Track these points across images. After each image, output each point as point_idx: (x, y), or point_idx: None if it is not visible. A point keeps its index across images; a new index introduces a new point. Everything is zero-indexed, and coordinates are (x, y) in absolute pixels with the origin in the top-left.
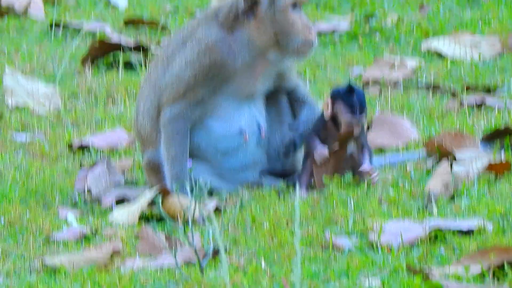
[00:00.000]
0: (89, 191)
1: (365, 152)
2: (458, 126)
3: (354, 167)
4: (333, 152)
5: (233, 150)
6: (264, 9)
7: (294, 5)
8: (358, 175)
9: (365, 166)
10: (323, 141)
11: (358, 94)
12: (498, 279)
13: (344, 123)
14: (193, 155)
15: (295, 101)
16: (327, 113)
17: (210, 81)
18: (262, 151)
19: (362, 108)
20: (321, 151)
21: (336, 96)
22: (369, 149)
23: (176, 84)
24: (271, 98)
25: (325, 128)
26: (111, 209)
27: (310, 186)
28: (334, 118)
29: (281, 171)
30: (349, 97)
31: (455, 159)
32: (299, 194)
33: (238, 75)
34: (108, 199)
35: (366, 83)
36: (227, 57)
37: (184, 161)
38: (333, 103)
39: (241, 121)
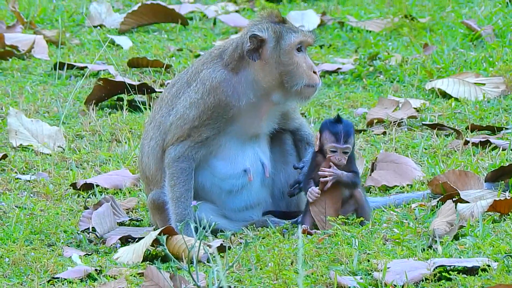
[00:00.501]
0: (93, 230)
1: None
2: (462, 165)
3: (357, 208)
4: (327, 190)
5: (238, 190)
6: (269, 49)
7: (299, 47)
8: (362, 216)
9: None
10: (316, 177)
11: (344, 124)
12: None
13: (329, 151)
14: (197, 194)
15: (299, 141)
16: (316, 145)
17: (215, 121)
18: (267, 191)
19: (347, 137)
20: (312, 189)
21: (323, 126)
22: (357, 174)
23: (180, 124)
24: (276, 137)
25: (316, 162)
26: (115, 248)
27: (314, 226)
28: (321, 150)
29: (286, 211)
30: (334, 126)
31: (459, 198)
32: (302, 233)
33: (243, 115)
34: (113, 239)
35: (370, 123)
36: (231, 97)
37: (188, 201)
38: (320, 134)
39: (246, 161)
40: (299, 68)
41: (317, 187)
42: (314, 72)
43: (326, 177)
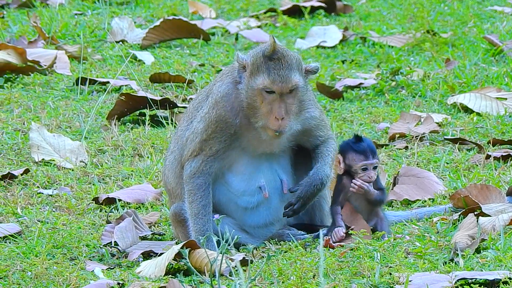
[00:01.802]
0: (115, 245)
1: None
2: (484, 179)
3: (377, 223)
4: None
5: (254, 207)
6: (246, 77)
7: (270, 91)
8: (382, 230)
9: (339, 231)
10: (343, 201)
11: (366, 141)
12: None
13: (360, 170)
14: (217, 210)
15: (313, 158)
16: (340, 169)
17: (220, 135)
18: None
19: (373, 152)
20: (338, 231)
21: (345, 148)
22: (384, 191)
23: (193, 138)
24: (301, 152)
25: (342, 185)
26: (138, 262)
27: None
28: (348, 172)
29: (309, 224)
30: (359, 145)
31: (481, 211)
32: (324, 246)
33: (245, 132)
34: (135, 253)
35: (393, 138)
36: (230, 113)
37: (207, 216)
38: (344, 157)
39: (260, 178)
40: (259, 109)
41: (343, 230)
42: (275, 120)
43: (357, 186)
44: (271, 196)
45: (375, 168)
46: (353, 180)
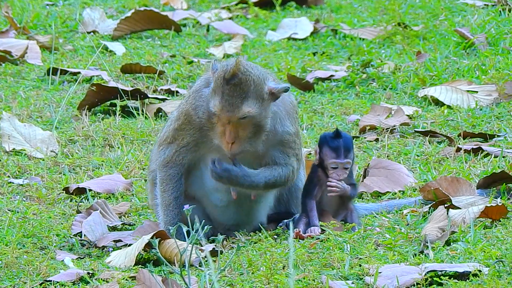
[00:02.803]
0: (85, 234)
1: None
2: (454, 172)
3: (347, 216)
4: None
5: (224, 205)
6: (212, 87)
7: (228, 121)
8: (352, 223)
9: (314, 230)
10: (318, 194)
11: (344, 138)
12: None
13: (330, 167)
14: (192, 202)
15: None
16: (316, 159)
17: (188, 127)
18: (261, 208)
19: (347, 152)
20: (314, 230)
21: (322, 141)
22: (355, 187)
23: (169, 124)
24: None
25: (318, 177)
26: (108, 252)
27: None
28: (321, 164)
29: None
30: (335, 141)
31: (451, 204)
32: (294, 238)
33: (210, 132)
34: (105, 243)
35: (363, 130)
36: (195, 111)
37: (178, 208)
38: (320, 149)
39: None
40: (214, 128)
41: (318, 230)
42: (226, 143)
43: (333, 187)
44: (242, 199)
45: (346, 168)
46: (328, 182)
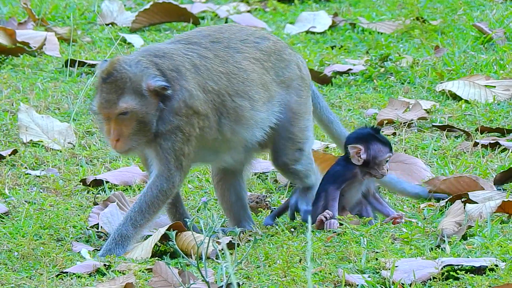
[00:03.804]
0: (102, 226)
1: (382, 198)
2: (471, 166)
3: (361, 210)
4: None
5: None
6: (95, 87)
7: (107, 118)
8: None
9: (394, 214)
10: (346, 182)
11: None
12: None
13: (384, 162)
14: None
15: None
16: (359, 159)
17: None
18: None
19: (391, 145)
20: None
21: (369, 138)
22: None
23: None
24: None
25: (353, 176)
26: None
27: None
28: (366, 162)
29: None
30: (382, 136)
31: (468, 198)
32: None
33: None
34: None
35: (381, 124)
36: None
37: None
38: (367, 147)
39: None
40: (102, 125)
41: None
42: (110, 140)
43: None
44: None
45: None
46: (397, 219)
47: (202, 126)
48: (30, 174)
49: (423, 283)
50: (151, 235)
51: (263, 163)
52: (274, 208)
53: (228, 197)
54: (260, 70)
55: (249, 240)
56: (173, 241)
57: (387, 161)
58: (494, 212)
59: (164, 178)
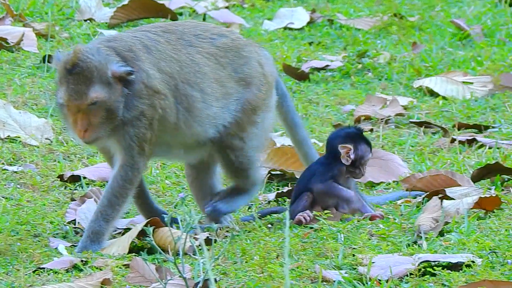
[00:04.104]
0: (79, 222)
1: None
2: (449, 162)
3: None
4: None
5: None
6: (57, 79)
7: (77, 109)
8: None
9: (376, 213)
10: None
11: None
12: None
13: (365, 163)
14: None
15: None
16: (350, 158)
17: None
18: None
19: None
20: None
21: (357, 138)
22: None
23: None
24: None
25: (339, 176)
26: None
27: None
28: (353, 162)
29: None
30: (367, 138)
31: (445, 195)
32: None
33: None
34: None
35: (358, 120)
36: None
37: None
38: (356, 147)
39: None
40: (67, 117)
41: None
42: (77, 130)
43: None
44: None
45: None
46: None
47: (164, 106)
48: (7, 170)
49: (399, 279)
50: (129, 229)
51: None
52: (252, 204)
53: (202, 195)
54: (215, 65)
55: (226, 236)
56: (150, 237)
57: (366, 162)
58: (471, 209)
59: (129, 167)
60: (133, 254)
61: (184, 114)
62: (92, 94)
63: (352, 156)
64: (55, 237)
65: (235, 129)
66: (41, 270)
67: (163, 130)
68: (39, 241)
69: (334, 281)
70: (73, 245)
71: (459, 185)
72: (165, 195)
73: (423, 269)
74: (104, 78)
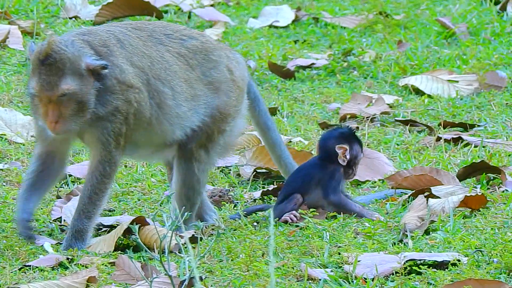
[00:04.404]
0: (65, 220)
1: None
2: (434, 161)
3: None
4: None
5: None
6: (30, 69)
7: (48, 100)
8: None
9: (374, 216)
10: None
11: None
12: None
13: (358, 163)
14: None
15: None
16: (347, 159)
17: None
18: None
19: None
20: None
21: (352, 138)
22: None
23: None
24: None
25: (340, 177)
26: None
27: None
28: (348, 162)
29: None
30: (358, 137)
31: (431, 193)
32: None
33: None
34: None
35: (343, 118)
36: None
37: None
38: (351, 147)
39: None
40: (37, 108)
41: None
42: (47, 121)
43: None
44: None
45: None
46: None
47: (138, 100)
48: None
49: (385, 277)
50: (115, 227)
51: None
52: (238, 202)
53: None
54: (184, 65)
55: (212, 234)
56: (136, 235)
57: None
58: (457, 207)
59: (107, 162)
60: (119, 252)
61: (156, 110)
62: (63, 86)
63: (347, 156)
64: (40, 234)
65: (203, 138)
66: (27, 268)
67: (137, 124)
68: (25, 239)
69: (320, 280)
70: (59, 242)
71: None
72: (151, 193)
73: (408, 268)
74: (77, 71)
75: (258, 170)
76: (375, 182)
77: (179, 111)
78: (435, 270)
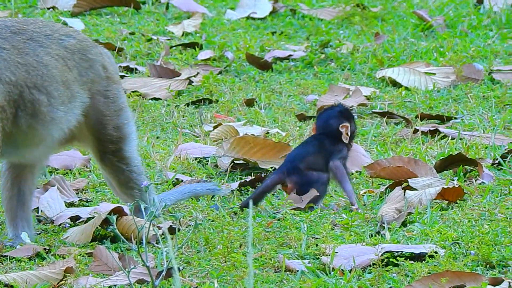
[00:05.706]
0: (42, 210)
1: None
2: (411, 153)
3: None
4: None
5: None
6: None
7: None
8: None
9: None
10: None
11: None
12: None
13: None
14: None
15: None
16: (346, 137)
17: None
18: None
19: None
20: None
21: (350, 114)
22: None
23: None
24: None
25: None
26: (64, 228)
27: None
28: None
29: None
30: (351, 112)
31: (408, 185)
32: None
33: None
34: (62, 219)
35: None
36: None
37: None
38: (350, 123)
39: None
40: None
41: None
42: None
43: None
44: None
45: None
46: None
47: (1, 118)
48: None
49: (362, 269)
50: (92, 218)
51: (204, 148)
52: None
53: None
54: (63, 67)
55: (190, 225)
56: (113, 226)
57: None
58: (434, 199)
59: None
60: (96, 242)
61: (27, 120)
62: None
63: (349, 134)
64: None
65: (104, 138)
66: (4, 258)
67: (6, 136)
68: (1, 230)
69: (297, 271)
70: (36, 233)
71: (420, 176)
72: None
73: (386, 260)
74: None
75: (236, 161)
76: (352, 173)
77: (54, 115)
78: (412, 262)
